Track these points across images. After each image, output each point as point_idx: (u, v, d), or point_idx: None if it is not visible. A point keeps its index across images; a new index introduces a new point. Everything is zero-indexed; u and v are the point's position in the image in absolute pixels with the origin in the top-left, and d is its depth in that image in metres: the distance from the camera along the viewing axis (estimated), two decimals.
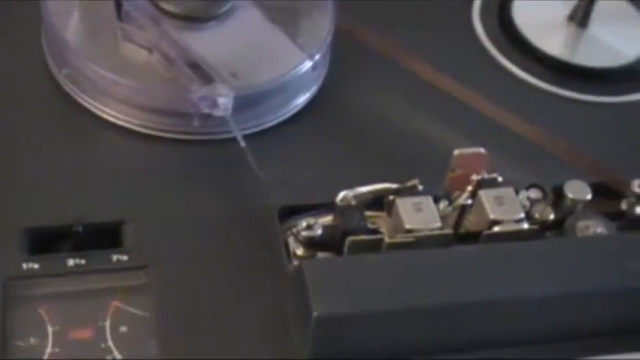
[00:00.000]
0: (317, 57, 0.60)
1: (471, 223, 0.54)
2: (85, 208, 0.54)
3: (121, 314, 0.50)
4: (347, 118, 0.61)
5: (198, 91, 0.56)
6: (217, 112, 0.56)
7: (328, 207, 0.53)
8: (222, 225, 0.54)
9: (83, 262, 0.52)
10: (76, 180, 0.56)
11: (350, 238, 0.51)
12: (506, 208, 0.53)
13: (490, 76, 0.65)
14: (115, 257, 0.52)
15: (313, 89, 0.62)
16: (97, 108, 0.59)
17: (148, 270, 0.52)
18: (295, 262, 0.52)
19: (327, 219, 0.53)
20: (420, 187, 0.53)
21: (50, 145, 0.57)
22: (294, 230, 0.53)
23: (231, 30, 0.61)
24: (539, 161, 0.59)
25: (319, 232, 0.52)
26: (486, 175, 0.53)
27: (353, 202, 0.52)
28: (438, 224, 0.52)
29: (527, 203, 0.55)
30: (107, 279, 0.51)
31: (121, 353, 0.49)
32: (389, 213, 0.53)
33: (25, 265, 0.51)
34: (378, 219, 0.54)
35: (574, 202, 0.55)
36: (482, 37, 0.68)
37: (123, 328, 0.50)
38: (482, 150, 0.54)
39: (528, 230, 0.53)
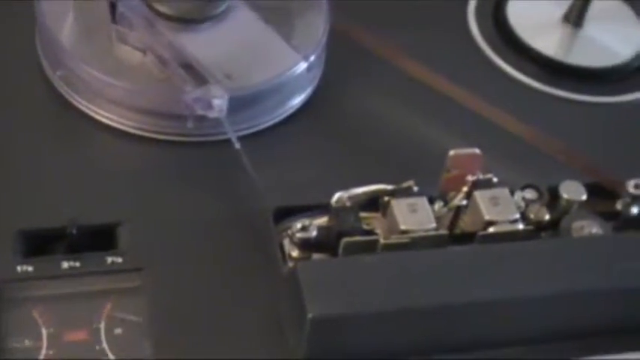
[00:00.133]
0: (312, 58, 0.60)
1: (466, 223, 0.54)
2: (80, 210, 0.53)
3: (116, 316, 0.50)
4: (342, 119, 0.61)
5: (192, 92, 0.56)
6: (212, 114, 0.56)
7: (323, 208, 0.53)
8: (217, 227, 0.54)
9: (78, 264, 0.52)
10: (71, 182, 0.56)
11: (345, 240, 0.51)
12: (501, 208, 0.53)
13: (485, 76, 0.65)
14: (109, 259, 0.52)
15: (308, 90, 0.62)
16: (91, 109, 0.59)
17: (143, 272, 0.52)
18: (290, 264, 0.52)
19: (322, 220, 0.53)
20: (415, 188, 0.53)
21: (44, 147, 0.57)
22: (289, 232, 0.52)
23: (226, 31, 0.60)
24: (534, 161, 0.59)
25: (314, 233, 0.52)
26: (481, 176, 0.53)
27: (348, 204, 0.52)
28: (433, 225, 0.52)
29: (523, 204, 0.54)
30: (102, 281, 0.51)
31: (115, 355, 0.49)
32: (384, 214, 0.53)
33: (19, 268, 0.51)
34: (373, 220, 0.53)
35: (569, 202, 0.55)
36: (477, 37, 0.68)
37: (117, 330, 0.50)
38: (477, 150, 0.54)
39: (523, 231, 0.53)
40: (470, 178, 0.53)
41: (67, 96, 0.59)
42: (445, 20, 0.69)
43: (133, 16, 0.59)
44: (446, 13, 0.69)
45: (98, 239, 0.53)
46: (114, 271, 0.52)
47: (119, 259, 0.52)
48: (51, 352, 0.49)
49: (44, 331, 0.49)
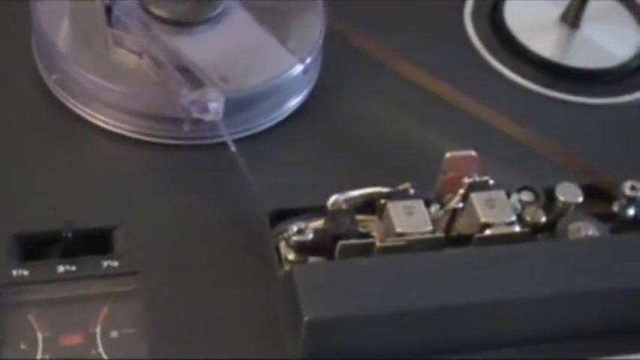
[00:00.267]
0: (308, 60, 0.60)
1: (462, 226, 0.54)
2: (76, 213, 0.53)
3: (112, 320, 0.50)
4: (338, 121, 0.61)
5: (188, 95, 0.56)
6: (208, 117, 0.56)
7: (319, 211, 0.53)
8: (213, 230, 0.54)
9: (73, 268, 0.52)
10: (67, 186, 0.55)
11: (341, 242, 0.51)
12: (497, 210, 0.53)
13: (481, 78, 0.65)
14: (105, 263, 0.52)
15: (304, 92, 0.62)
16: (87, 113, 0.59)
17: (139, 276, 0.52)
18: (286, 267, 0.52)
19: (319, 223, 0.53)
20: (412, 191, 0.53)
21: (40, 151, 0.57)
22: (285, 235, 0.52)
23: (222, 34, 0.60)
24: (531, 163, 0.59)
25: (310, 236, 0.52)
26: (477, 178, 0.53)
27: (344, 206, 0.52)
28: (429, 228, 0.52)
29: (519, 206, 0.54)
30: (97, 285, 0.51)
31: (111, 359, 0.49)
32: (380, 217, 0.53)
33: (14, 272, 0.51)
34: (369, 223, 0.53)
35: (565, 204, 0.55)
36: (473, 39, 0.68)
37: (114, 334, 0.50)
38: (473, 153, 0.54)
39: (520, 233, 0.53)
40: (466, 180, 0.53)
41: (62, 100, 0.59)
42: (441, 22, 0.68)
43: (129, 20, 0.59)
44: (442, 14, 0.69)
45: (94, 243, 0.53)
46: (110, 274, 0.52)
47: (115, 263, 0.52)
48: (47, 357, 0.49)
49: (40, 335, 0.49)
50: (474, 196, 0.53)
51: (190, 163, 0.57)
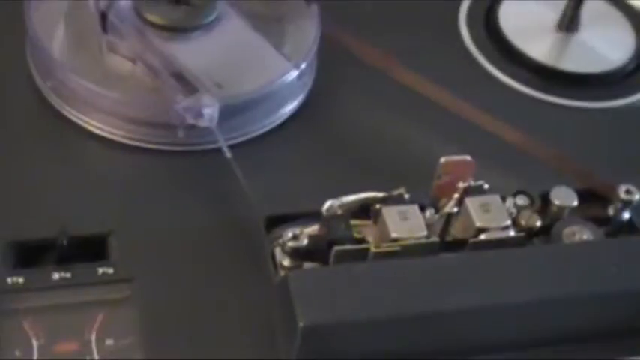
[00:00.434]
0: (303, 66, 0.60)
1: (457, 230, 0.54)
2: (70, 220, 0.53)
3: (107, 327, 0.50)
4: (333, 126, 0.61)
5: (182, 101, 0.56)
6: (202, 123, 0.56)
7: (314, 216, 0.53)
8: (208, 236, 0.54)
9: (68, 275, 0.52)
10: (61, 192, 0.55)
11: (336, 248, 0.51)
12: (492, 215, 0.53)
13: (476, 82, 0.65)
14: (100, 270, 0.52)
15: (300, 97, 0.62)
16: (82, 120, 0.59)
17: (134, 282, 0.52)
18: (282, 273, 0.52)
19: (314, 229, 0.53)
20: (407, 196, 0.53)
21: (35, 158, 0.57)
22: (281, 240, 0.52)
23: (216, 40, 0.60)
24: (526, 168, 0.59)
25: (305, 242, 0.52)
26: (472, 183, 0.53)
27: (339, 212, 0.52)
28: (424, 232, 0.52)
29: (514, 210, 0.54)
30: (93, 292, 0.51)
31: None
32: (375, 222, 0.53)
33: (9, 279, 0.51)
34: (364, 228, 0.53)
35: (560, 208, 0.55)
36: (468, 43, 0.68)
37: (109, 341, 0.50)
38: (468, 157, 0.54)
39: (515, 237, 0.53)
40: (461, 185, 0.53)
41: (57, 106, 0.59)
42: (436, 26, 0.69)
43: (124, 26, 0.59)
44: (437, 18, 0.69)
45: (89, 249, 0.53)
46: (105, 281, 0.51)
47: (110, 270, 0.52)
48: None
49: (35, 343, 0.49)
50: (469, 201, 0.53)
51: (185, 169, 0.57)
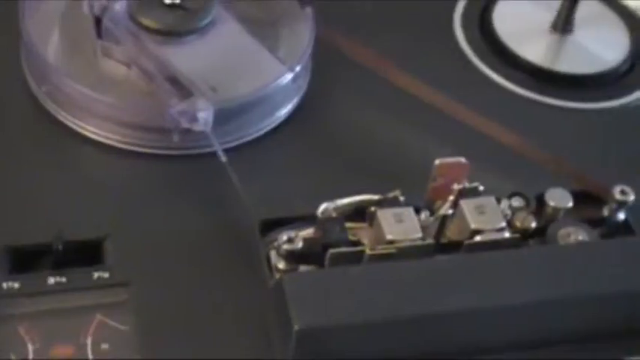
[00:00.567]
0: (297, 69, 0.60)
1: (452, 232, 0.54)
2: (66, 225, 0.53)
3: (103, 331, 0.50)
4: (328, 129, 0.61)
5: (177, 105, 0.56)
6: (197, 127, 0.56)
7: (309, 219, 0.53)
8: (203, 240, 0.54)
9: (64, 279, 0.52)
10: (57, 197, 0.55)
11: (331, 251, 0.51)
12: (487, 217, 0.53)
13: (471, 84, 0.65)
14: (96, 275, 0.52)
15: (295, 101, 0.62)
16: (77, 124, 0.59)
17: (130, 287, 0.52)
18: (277, 276, 0.52)
19: (309, 232, 0.53)
20: (402, 198, 0.53)
21: (30, 163, 0.57)
22: (276, 244, 0.52)
23: (211, 44, 0.60)
24: (521, 169, 0.59)
25: (300, 245, 0.52)
26: (467, 185, 0.53)
27: (334, 214, 0.52)
28: (419, 234, 0.52)
29: (509, 212, 0.54)
30: (88, 296, 0.51)
31: None
32: (370, 224, 0.53)
33: (5, 284, 0.51)
34: (359, 230, 0.53)
35: (555, 209, 0.55)
36: (463, 45, 0.68)
37: (105, 346, 0.50)
38: (463, 159, 0.54)
39: (510, 239, 0.53)
40: (456, 187, 0.53)
41: (52, 111, 0.59)
42: (431, 28, 0.69)
43: (119, 31, 0.59)
44: (432, 20, 0.69)
45: (84, 254, 0.53)
46: (100, 286, 0.52)
47: (105, 274, 0.52)
48: None
49: (30, 347, 0.49)
50: (464, 203, 0.53)
51: (180, 173, 0.57)
